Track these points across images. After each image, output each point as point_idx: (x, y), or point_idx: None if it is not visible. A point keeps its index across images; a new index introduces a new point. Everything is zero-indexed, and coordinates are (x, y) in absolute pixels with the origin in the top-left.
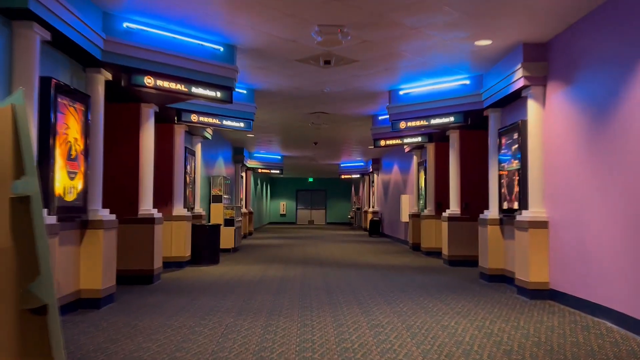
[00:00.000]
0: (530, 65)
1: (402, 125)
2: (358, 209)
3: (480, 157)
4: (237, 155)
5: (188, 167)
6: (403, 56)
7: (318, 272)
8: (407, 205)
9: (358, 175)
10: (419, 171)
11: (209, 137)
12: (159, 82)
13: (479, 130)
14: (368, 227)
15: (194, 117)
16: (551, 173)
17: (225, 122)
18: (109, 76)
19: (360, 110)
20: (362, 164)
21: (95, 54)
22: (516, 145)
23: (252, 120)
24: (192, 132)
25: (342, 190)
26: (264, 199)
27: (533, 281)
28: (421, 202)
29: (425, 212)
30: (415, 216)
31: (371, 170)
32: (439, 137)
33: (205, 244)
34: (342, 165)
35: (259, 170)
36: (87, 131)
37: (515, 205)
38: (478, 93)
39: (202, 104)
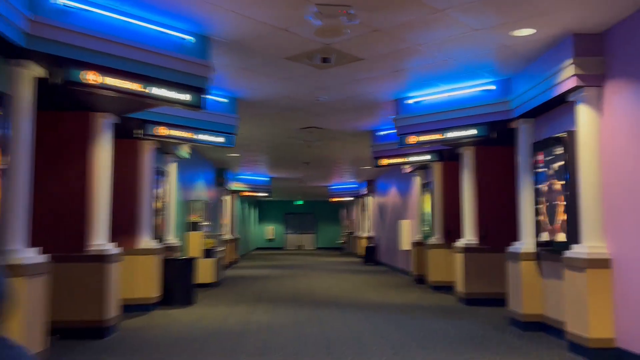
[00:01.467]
0: (584, 61)
1: (412, 139)
2: (350, 233)
3: (501, 177)
4: (220, 177)
5: (159, 190)
6: (418, 51)
7: (313, 317)
8: (408, 232)
9: (351, 198)
10: (422, 193)
11: (187, 155)
12: (108, 80)
13: (497, 146)
14: (362, 253)
15: (162, 130)
16: (613, 197)
17: (200, 137)
18: (40, 72)
19: (358, 125)
20: (354, 186)
21: (18, 40)
22: (560, 163)
23: (234, 134)
24: (165, 149)
25: (332, 214)
26: (250, 223)
27: (594, 337)
28: (426, 228)
29: (432, 240)
30: (419, 244)
31: (365, 192)
32: (448, 155)
33: (178, 281)
34: (332, 187)
35: (244, 194)
36: (3, 144)
37: (560, 237)
38: (505, 101)
39: (171, 114)
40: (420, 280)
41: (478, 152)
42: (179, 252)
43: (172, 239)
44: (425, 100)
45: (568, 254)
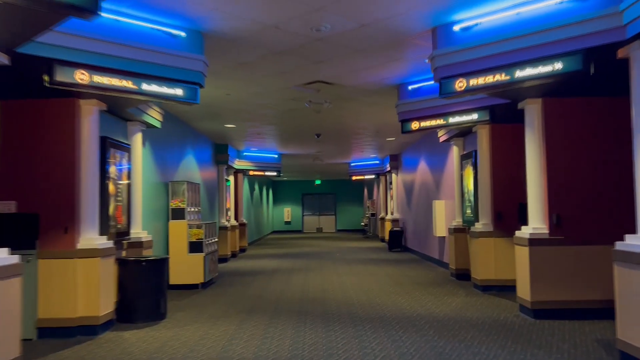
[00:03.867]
0: None
1: (460, 85)
2: (373, 214)
3: (586, 141)
4: (220, 154)
5: (115, 169)
6: None
7: (319, 344)
8: (443, 215)
9: (372, 176)
10: (462, 167)
11: (156, 123)
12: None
13: (576, 97)
14: (386, 237)
15: (80, 76)
16: None
17: (146, 87)
18: None
19: (379, 76)
20: (377, 162)
21: None
22: None
23: (199, 85)
24: (121, 113)
25: (353, 194)
26: (264, 205)
27: None
28: (468, 211)
29: (478, 226)
30: (458, 231)
31: (388, 168)
32: (502, 113)
33: (141, 290)
34: (352, 164)
35: (251, 173)
36: None
37: None
38: (611, 13)
39: (95, 51)
40: (462, 276)
41: (549, 106)
42: (151, 249)
43: (138, 232)
44: (480, 24)
45: None
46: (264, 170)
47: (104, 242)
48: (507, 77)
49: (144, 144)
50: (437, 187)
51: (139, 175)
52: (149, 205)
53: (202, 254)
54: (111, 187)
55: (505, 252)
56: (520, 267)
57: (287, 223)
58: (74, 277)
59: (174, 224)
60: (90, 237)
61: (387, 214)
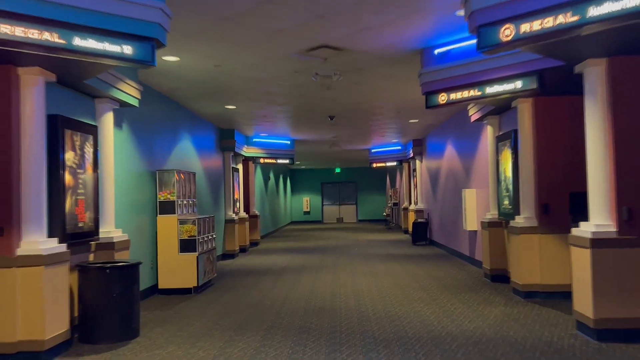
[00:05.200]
0: None
1: (506, 33)
2: (395, 204)
3: None
4: (226, 140)
5: (73, 155)
6: None
7: None
8: (474, 206)
9: (394, 163)
10: (497, 151)
11: (133, 102)
12: None
13: None
14: (410, 230)
15: None
16: None
17: (81, 43)
18: None
19: (396, 36)
20: (399, 147)
21: None
22: None
23: (157, 41)
24: (83, 88)
25: (375, 182)
26: (281, 195)
27: None
28: (505, 202)
29: (519, 220)
30: (494, 225)
31: (412, 155)
32: (553, 81)
33: (106, 303)
34: (372, 150)
35: (261, 160)
36: None
37: None
38: None
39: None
40: (498, 277)
41: (620, 67)
42: (126, 251)
43: (109, 231)
44: None
45: None
46: (275, 158)
47: (53, 245)
48: (575, 18)
49: (119, 125)
50: (467, 175)
51: (110, 162)
52: (129, 198)
53: (195, 254)
54: (68, 178)
55: (553, 252)
56: (578, 273)
57: (306, 213)
58: (12, 291)
59: (162, 219)
60: (34, 240)
61: (410, 203)
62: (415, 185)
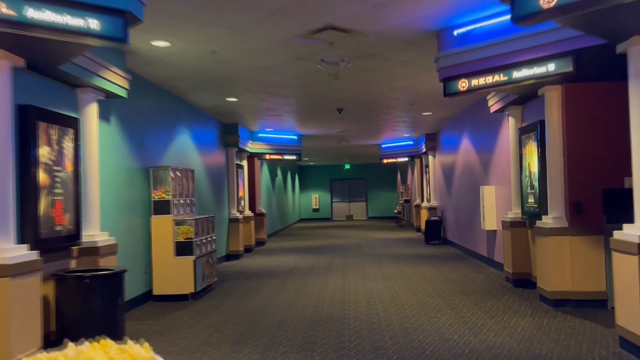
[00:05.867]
0: None
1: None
2: (406, 201)
3: None
4: (229, 135)
5: (49, 151)
6: None
7: None
8: (494, 204)
9: (406, 159)
10: (521, 144)
11: (121, 92)
12: None
13: None
14: (423, 228)
15: None
16: None
17: (34, 15)
18: None
19: (410, 14)
20: (410, 142)
21: None
22: None
23: (131, 15)
24: (61, 76)
25: (385, 178)
26: (289, 192)
27: None
28: (530, 199)
29: (547, 220)
30: (517, 225)
31: (424, 150)
32: (588, 64)
33: (85, 316)
34: (383, 145)
35: (267, 157)
36: None
37: None
38: None
39: None
40: (520, 282)
41: None
42: (113, 256)
43: (93, 234)
44: None
45: None
46: (282, 154)
47: (22, 253)
48: None
49: (106, 118)
50: (485, 170)
51: (94, 159)
52: (119, 197)
53: (192, 257)
54: (42, 176)
55: (586, 255)
56: (622, 283)
57: (315, 210)
58: None
59: (156, 220)
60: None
61: (422, 200)
62: (428, 182)
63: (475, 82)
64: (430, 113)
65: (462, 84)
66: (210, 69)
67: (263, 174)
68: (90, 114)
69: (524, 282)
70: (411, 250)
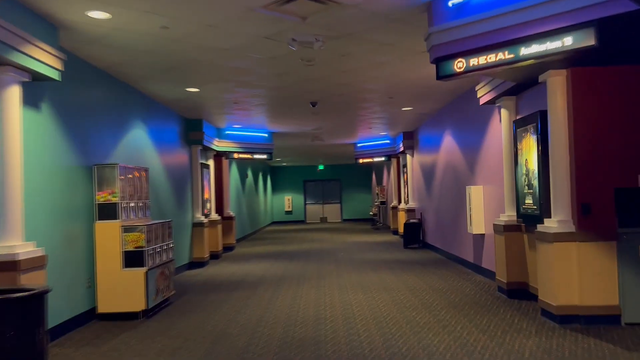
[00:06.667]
0: None
1: None
2: (382, 202)
3: None
4: (192, 131)
5: None
6: None
7: None
8: (482, 206)
9: (382, 158)
10: (516, 139)
11: (52, 74)
12: None
13: None
14: (400, 230)
15: None
16: None
17: None
18: None
19: None
20: (387, 141)
21: None
22: None
23: None
24: None
25: (361, 179)
26: (260, 194)
27: None
28: (528, 200)
29: (550, 224)
30: (512, 229)
31: (402, 149)
32: (607, 40)
33: None
34: (359, 144)
35: (235, 155)
36: None
37: None
38: None
39: None
40: (516, 293)
41: None
42: (41, 270)
43: (13, 244)
44: None
45: None
46: (251, 153)
47: None
48: None
49: (35, 105)
50: (471, 169)
51: (15, 154)
52: (52, 200)
53: (144, 269)
54: None
55: (596, 264)
56: None
57: (288, 213)
58: None
59: (101, 226)
60: None
61: (400, 202)
62: (406, 182)
63: (474, 61)
64: (411, 108)
65: (459, 64)
66: (164, 50)
67: (232, 175)
68: (10, 98)
69: (520, 292)
70: (390, 255)
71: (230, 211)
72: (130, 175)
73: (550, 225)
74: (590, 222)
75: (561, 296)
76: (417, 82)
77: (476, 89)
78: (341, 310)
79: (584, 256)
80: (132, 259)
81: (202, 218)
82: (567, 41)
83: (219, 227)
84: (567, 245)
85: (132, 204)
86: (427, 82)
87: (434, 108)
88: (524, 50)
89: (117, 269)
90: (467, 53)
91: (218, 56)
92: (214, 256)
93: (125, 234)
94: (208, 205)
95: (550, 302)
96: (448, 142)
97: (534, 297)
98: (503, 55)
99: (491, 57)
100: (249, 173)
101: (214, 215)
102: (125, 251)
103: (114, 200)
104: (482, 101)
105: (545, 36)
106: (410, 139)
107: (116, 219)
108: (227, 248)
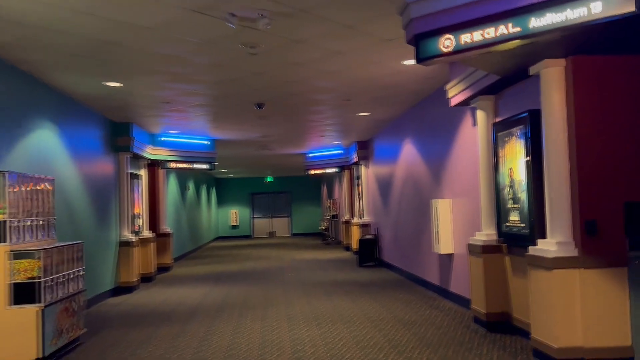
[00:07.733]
0: None
1: None
2: (334, 217)
3: None
4: (120, 136)
5: None
6: None
7: None
8: (450, 222)
9: (335, 169)
10: (497, 144)
11: None
12: None
13: None
14: (353, 246)
15: None
16: None
17: None
18: None
19: None
20: (340, 151)
21: None
22: None
23: None
24: None
25: (311, 192)
26: (203, 208)
27: None
28: (513, 216)
29: (547, 246)
30: (491, 250)
31: (355, 159)
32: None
33: None
34: (310, 155)
35: (172, 165)
36: None
37: None
38: None
39: None
40: (496, 326)
41: None
42: None
43: None
44: None
45: None
46: (191, 162)
47: None
48: None
49: None
50: (437, 180)
51: None
52: None
53: (37, 306)
54: None
55: (604, 296)
56: None
57: (234, 227)
58: None
59: None
60: None
61: (353, 216)
62: (360, 195)
63: (466, 37)
64: (368, 114)
65: (446, 42)
66: (70, 25)
67: (170, 187)
68: None
69: (502, 325)
70: (344, 276)
71: (166, 227)
72: (28, 187)
73: (547, 247)
74: (596, 244)
75: (562, 335)
76: (378, 80)
77: (446, 88)
78: (290, 350)
79: (589, 286)
80: (23, 293)
81: (130, 236)
82: (596, 7)
83: (152, 245)
84: (568, 273)
85: (28, 223)
86: (390, 79)
87: (393, 114)
88: (535, 22)
89: (0, 307)
90: (458, 27)
91: (139, 37)
92: (146, 279)
93: (14, 260)
94: (139, 220)
95: (547, 343)
96: (408, 151)
97: (518, 331)
98: (506, 29)
99: (490, 32)
100: (191, 185)
101: (147, 232)
102: (13, 283)
103: (1, 217)
104: (453, 102)
105: (563, 3)
106: (365, 149)
107: (3, 242)
108: (163, 269)
